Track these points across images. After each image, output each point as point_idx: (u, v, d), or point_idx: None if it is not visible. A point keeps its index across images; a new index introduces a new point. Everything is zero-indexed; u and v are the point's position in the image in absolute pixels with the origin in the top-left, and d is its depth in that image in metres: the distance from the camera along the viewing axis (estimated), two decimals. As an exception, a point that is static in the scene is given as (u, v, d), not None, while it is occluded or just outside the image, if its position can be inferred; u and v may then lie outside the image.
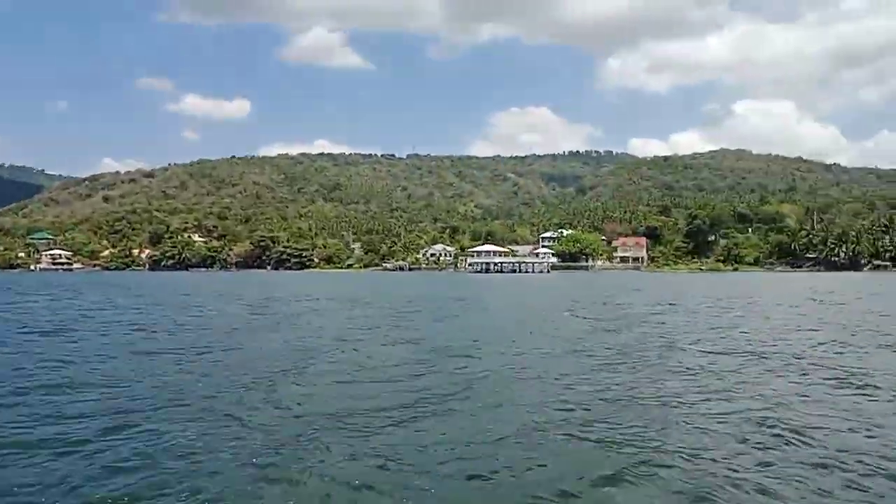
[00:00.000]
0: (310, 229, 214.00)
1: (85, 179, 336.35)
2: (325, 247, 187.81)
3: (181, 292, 51.21)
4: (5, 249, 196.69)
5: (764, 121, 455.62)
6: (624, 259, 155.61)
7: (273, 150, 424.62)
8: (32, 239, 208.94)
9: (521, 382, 12.71)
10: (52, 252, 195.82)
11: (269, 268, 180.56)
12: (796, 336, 20.12)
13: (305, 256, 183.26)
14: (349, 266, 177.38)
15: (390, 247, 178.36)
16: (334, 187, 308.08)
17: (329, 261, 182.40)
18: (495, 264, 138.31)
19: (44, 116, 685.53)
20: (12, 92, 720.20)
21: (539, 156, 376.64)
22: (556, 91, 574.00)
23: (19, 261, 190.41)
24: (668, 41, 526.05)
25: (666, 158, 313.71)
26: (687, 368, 14.16)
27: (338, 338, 19.74)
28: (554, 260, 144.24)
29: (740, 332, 20.99)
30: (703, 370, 13.94)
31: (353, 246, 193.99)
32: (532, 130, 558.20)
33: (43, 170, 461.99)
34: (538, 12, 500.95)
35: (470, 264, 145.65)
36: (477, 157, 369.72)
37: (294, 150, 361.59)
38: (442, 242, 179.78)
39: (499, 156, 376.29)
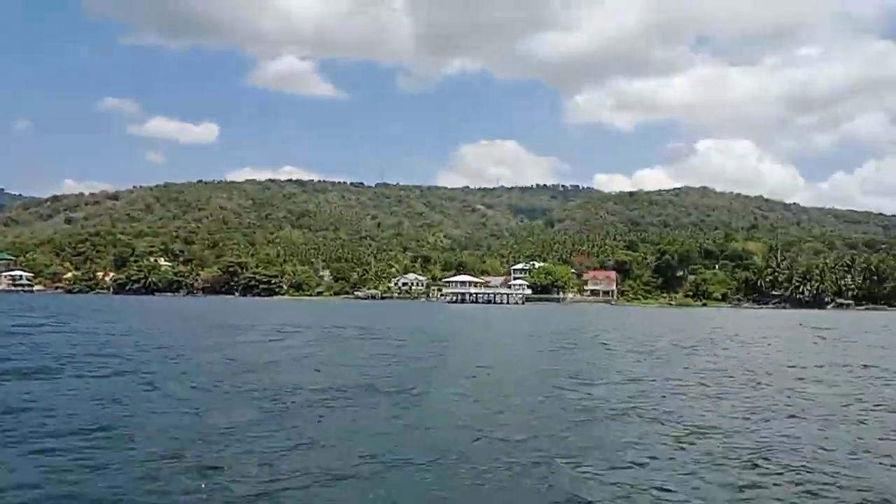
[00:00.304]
0: (278, 256, 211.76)
1: (47, 200, 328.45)
2: (294, 274, 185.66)
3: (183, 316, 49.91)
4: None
5: (725, 159, 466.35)
6: (594, 292, 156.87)
7: (240, 175, 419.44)
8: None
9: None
10: (12, 273, 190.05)
11: (237, 294, 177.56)
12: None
13: (274, 283, 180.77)
14: (319, 293, 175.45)
15: (361, 275, 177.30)
16: (302, 214, 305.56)
17: (298, 288, 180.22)
18: (470, 294, 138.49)
19: (4, 135, 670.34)
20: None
21: (507, 188, 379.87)
22: (524, 125, 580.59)
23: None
24: (633, 80, 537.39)
25: (631, 194, 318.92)
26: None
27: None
28: (528, 292, 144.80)
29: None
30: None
31: (322, 273, 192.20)
32: (500, 163, 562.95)
33: (2, 188, 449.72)
34: (507, 47, 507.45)
35: (445, 294, 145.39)
36: (446, 188, 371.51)
37: (262, 176, 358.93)
38: (414, 272, 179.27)
39: (468, 187, 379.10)
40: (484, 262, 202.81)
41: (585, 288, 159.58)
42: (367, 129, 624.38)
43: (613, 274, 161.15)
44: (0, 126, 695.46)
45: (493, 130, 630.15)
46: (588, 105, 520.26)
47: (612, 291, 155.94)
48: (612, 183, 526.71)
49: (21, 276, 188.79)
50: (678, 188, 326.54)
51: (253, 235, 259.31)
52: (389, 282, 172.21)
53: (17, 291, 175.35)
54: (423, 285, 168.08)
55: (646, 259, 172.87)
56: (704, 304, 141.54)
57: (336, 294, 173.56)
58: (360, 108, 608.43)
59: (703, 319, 67.09)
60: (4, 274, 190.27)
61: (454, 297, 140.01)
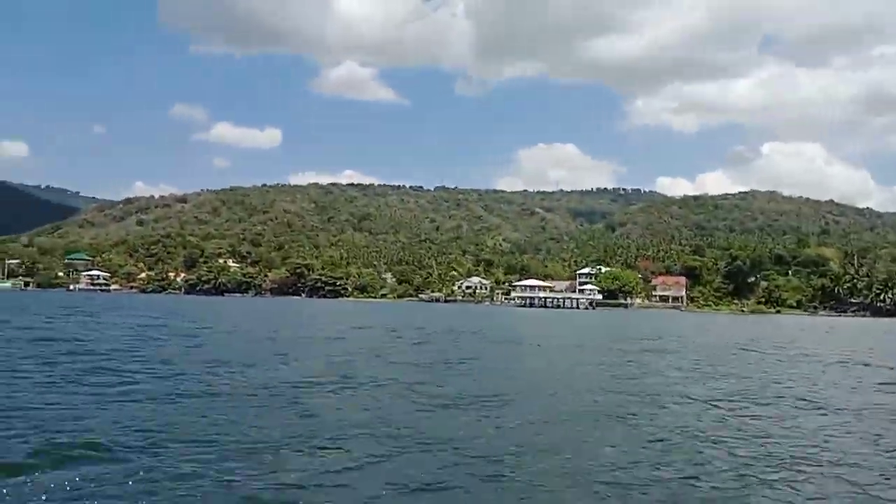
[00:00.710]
0: (342, 258, 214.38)
1: (119, 202, 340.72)
2: (359, 276, 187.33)
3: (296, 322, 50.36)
4: (45, 269, 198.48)
5: (792, 163, 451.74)
6: (663, 298, 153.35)
7: (303, 179, 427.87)
8: (70, 259, 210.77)
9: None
10: (90, 273, 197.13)
11: (303, 295, 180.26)
12: None
13: (340, 285, 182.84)
14: (383, 296, 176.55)
15: (425, 278, 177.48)
16: (364, 217, 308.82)
17: (363, 290, 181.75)
18: (539, 299, 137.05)
19: (80, 140, 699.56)
20: (50, 115, 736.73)
21: (567, 191, 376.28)
22: (583, 128, 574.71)
23: (58, 280, 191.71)
24: (695, 82, 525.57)
25: (696, 198, 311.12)
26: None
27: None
28: (598, 297, 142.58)
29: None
30: None
31: (384, 276, 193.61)
32: (559, 166, 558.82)
33: (78, 192, 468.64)
34: (566, 51, 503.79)
35: (514, 298, 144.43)
36: (504, 192, 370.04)
37: (323, 180, 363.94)
38: (477, 275, 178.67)
39: (526, 190, 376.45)
40: (546, 266, 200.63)
41: (653, 294, 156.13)
42: (426, 133, 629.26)
43: (683, 280, 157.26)
44: (78, 131, 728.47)
45: (552, 134, 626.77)
46: (649, 108, 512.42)
47: (682, 298, 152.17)
48: (674, 186, 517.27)
49: (98, 275, 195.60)
50: (744, 192, 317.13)
51: (316, 238, 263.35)
52: (453, 285, 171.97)
53: (96, 290, 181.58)
54: (486, 289, 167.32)
55: (715, 264, 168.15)
56: (778, 312, 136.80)
57: (399, 297, 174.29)
58: (419, 113, 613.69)
59: (801, 330, 64.20)
60: (83, 273, 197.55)
61: (522, 302, 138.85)
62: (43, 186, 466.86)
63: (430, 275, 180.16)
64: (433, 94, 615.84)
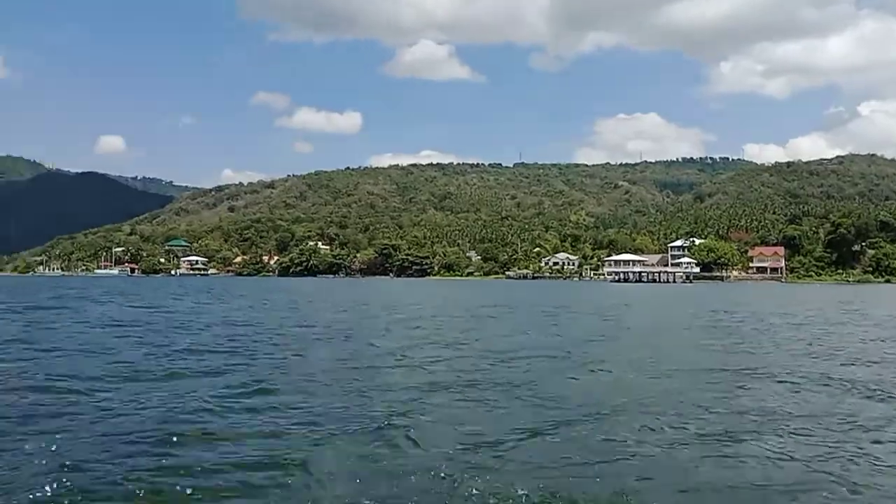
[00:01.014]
0: (425, 238, 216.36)
1: (211, 190, 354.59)
2: (444, 255, 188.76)
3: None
4: (148, 255, 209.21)
5: (894, 123, 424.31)
6: (761, 270, 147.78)
7: (383, 161, 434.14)
8: (170, 245, 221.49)
9: None
10: (189, 258, 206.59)
11: (391, 275, 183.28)
12: None
13: (426, 264, 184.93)
14: (469, 274, 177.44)
15: (511, 255, 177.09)
16: (444, 196, 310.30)
17: (449, 268, 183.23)
18: (633, 273, 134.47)
19: (171, 131, 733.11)
20: (143, 109, 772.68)
21: (650, 162, 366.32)
22: (665, 97, 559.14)
23: (161, 266, 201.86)
24: (784, 43, 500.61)
25: (788, 164, 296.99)
26: None
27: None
28: (696, 270, 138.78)
29: None
30: None
31: (468, 254, 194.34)
32: (641, 137, 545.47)
33: (171, 181, 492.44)
34: (644, 19, 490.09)
35: (606, 273, 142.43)
36: (586, 165, 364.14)
37: (402, 160, 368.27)
38: (563, 251, 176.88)
39: (608, 163, 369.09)
40: (634, 239, 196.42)
41: (750, 266, 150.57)
42: (503, 109, 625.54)
43: (781, 250, 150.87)
44: (168, 123, 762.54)
45: (633, 104, 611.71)
46: (734, 73, 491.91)
47: (781, 269, 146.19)
48: (764, 153, 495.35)
49: (197, 260, 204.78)
50: (841, 156, 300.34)
51: (399, 218, 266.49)
52: (539, 262, 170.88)
53: (195, 275, 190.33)
54: (574, 265, 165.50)
55: (815, 233, 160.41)
56: (888, 281, 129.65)
57: (486, 274, 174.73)
58: (496, 90, 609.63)
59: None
60: (183, 259, 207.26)
61: (616, 276, 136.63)
62: (139, 177, 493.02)
63: (516, 252, 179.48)
64: (509, 69, 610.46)
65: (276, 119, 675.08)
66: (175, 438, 8.22)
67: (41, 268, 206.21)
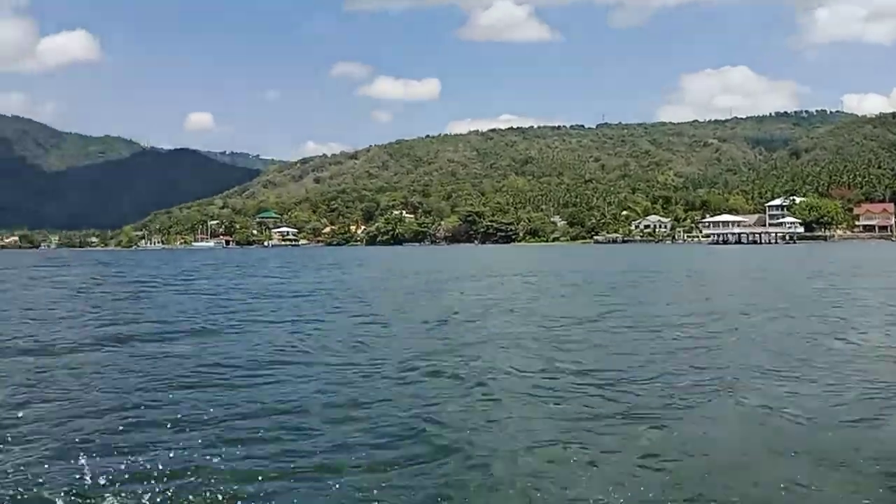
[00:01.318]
0: (508, 203, 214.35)
1: (297, 162, 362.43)
2: (529, 220, 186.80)
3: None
4: (241, 228, 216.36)
5: None
6: (868, 228, 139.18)
7: (461, 127, 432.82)
8: (262, 218, 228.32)
9: None
10: (280, 229, 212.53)
11: (476, 242, 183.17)
12: None
13: (511, 230, 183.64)
14: (555, 239, 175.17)
15: (599, 219, 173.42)
16: (525, 161, 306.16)
17: (534, 234, 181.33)
18: (732, 234, 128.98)
19: (256, 106, 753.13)
20: (228, 86, 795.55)
21: (741, 118, 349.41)
22: (755, 48, 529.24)
23: (254, 238, 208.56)
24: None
25: (894, 115, 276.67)
26: None
27: None
28: (801, 230, 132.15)
29: None
30: None
31: (553, 219, 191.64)
32: (729, 91, 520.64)
33: (258, 155, 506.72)
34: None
35: (703, 235, 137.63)
36: (672, 123, 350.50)
37: (481, 126, 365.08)
38: (654, 213, 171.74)
39: (696, 120, 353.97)
40: (727, 199, 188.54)
41: (856, 224, 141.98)
42: (583, 70, 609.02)
43: (891, 206, 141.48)
44: (254, 98, 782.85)
45: (720, 57, 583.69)
46: (831, 19, 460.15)
47: (891, 226, 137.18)
48: (864, 104, 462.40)
49: (288, 232, 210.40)
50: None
51: (481, 185, 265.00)
52: (629, 225, 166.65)
53: (287, 246, 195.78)
54: (665, 227, 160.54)
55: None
56: None
57: (573, 239, 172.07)
58: (575, 50, 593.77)
59: None
60: (274, 230, 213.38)
61: (715, 238, 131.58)
62: (227, 152, 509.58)
63: (604, 215, 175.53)
64: (588, 27, 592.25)
65: (357, 89, 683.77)
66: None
67: (143, 242, 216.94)
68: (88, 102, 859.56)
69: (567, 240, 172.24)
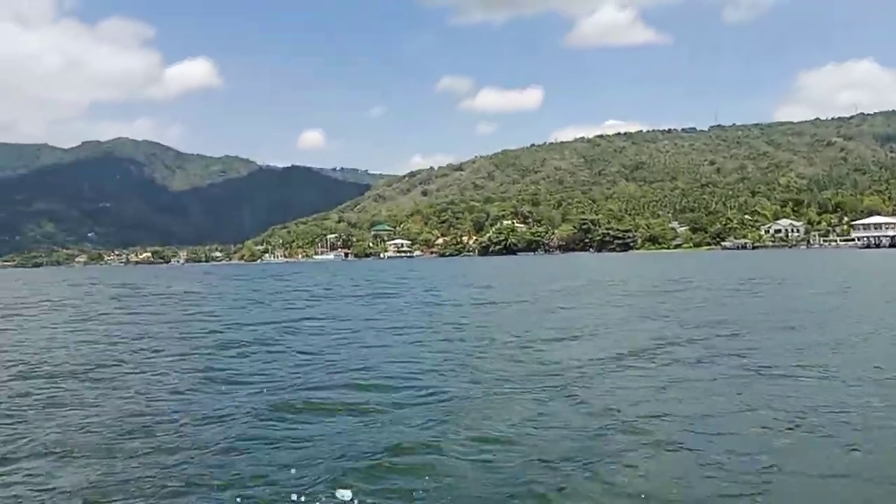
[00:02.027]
0: (622, 210, 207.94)
1: (404, 176, 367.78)
2: (648, 227, 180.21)
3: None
4: (357, 241, 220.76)
5: None
6: None
7: (565, 135, 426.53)
8: (376, 230, 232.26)
9: None
10: (395, 241, 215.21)
11: (591, 250, 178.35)
12: None
13: (628, 237, 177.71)
14: (677, 246, 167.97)
15: (724, 224, 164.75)
16: (636, 167, 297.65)
17: (653, 241, 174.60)
18: (886, 237, 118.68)
19: (364, 122, 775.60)
20: (336, 103, 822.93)
21: (867, 115, 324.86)
22: (882, 39, 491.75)
23: (370, 250, 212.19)
24: None
25: None
26: None
27: None
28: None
29: None
30: None
31: (671, 225, 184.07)
32: (853, 87, 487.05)
33: (367, 170, 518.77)
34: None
35: (847, 239, 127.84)
36: (791, 123, 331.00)
37: (586, 133, 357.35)
38: (784, 217, 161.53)
39: (817, 119, 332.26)
40: (861, 201, 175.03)
41: None
42: (693, 71, 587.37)
43: None
44: (360, 115, 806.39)
45: (842, 51, 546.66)
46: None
47: None
48: None
49: (402, 244, 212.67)
50: None
51: (590, 192, 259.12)
52: (757, 230, 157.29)
53: (401, 257, 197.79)
54: (798, 231, 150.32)
55: None
56: None
57: (696, 245, 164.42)
58: (684, 51, 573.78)
59: None
60: (389, 242, 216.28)
61: (866, 242, 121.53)
62: (338, 168, 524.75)
63: (730, 220, 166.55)
64: (698, 27, 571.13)
65: (460, 102, 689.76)
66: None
67: (267, 255, 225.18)
68: (209, 125, 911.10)
69: (690, 246, 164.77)
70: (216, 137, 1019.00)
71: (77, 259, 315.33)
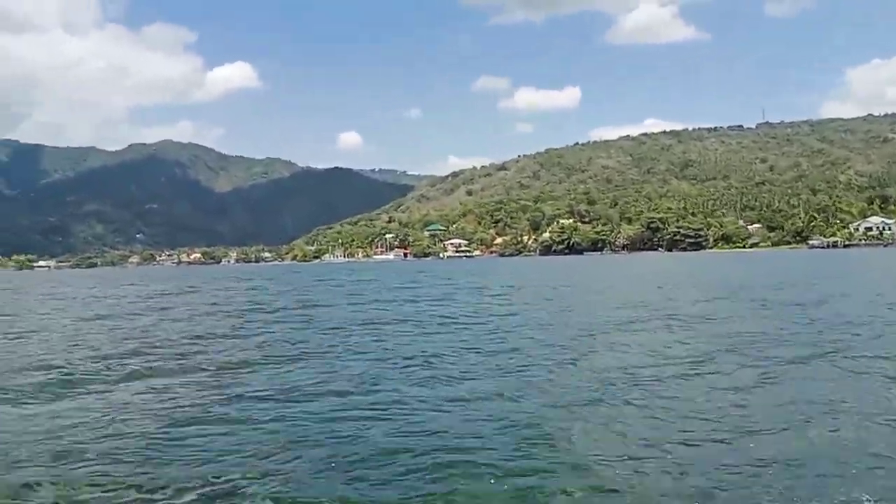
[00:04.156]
0: (683, 209, 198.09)
1: (447, 176, 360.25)
2: (720, 225, 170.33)
3: None
4: (415, 241, 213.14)
5: None
6: None
7: (605, 134, 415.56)
8: (430, 230, 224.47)
9: None
10: (452, 241, 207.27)
11: (661, 250, 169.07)
12: None
13: (700, 236, 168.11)
14: (753, 245, 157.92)
15: (808, 222, 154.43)
16: (686, 165, 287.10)
17: (727, 240, 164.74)
18: None
19: (401, 124, 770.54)
20: (373, 105, 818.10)
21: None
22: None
23: (428, 250, 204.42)
24: None
25: None
26: None
27: None
28: None
29: None
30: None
31: (738, 223, 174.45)
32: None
33: (405, 171, 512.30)
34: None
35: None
36: (842, 119, 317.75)
37: (623, 132, 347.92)
38: (872, 214, 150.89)
39: (870, 115, 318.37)
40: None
41: None
42: (735, 67, 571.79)
43: None
44: (397, 117, 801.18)
45: (888, 45, 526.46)
46: None
47: None
48: None
49: (460, 243, 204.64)
50: None
51: (641, 190, 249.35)
52: (844, 227, 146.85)
53: (461, 257, 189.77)
54: (890, 229, 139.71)
55: None
56: None
57: (774, 244, 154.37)
58: (725, 47, 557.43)
59: None
60: (447, 242, 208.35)
61: None
62: (376, 169, 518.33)
63: (814, 218, 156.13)
64: (740, 22, 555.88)
65: (498, 102, 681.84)
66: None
67: (327, 256, 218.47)
68: (250, 127, 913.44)
69: (768, 245, 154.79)
70: (257, 139, 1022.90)
71: (130, 260, 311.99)
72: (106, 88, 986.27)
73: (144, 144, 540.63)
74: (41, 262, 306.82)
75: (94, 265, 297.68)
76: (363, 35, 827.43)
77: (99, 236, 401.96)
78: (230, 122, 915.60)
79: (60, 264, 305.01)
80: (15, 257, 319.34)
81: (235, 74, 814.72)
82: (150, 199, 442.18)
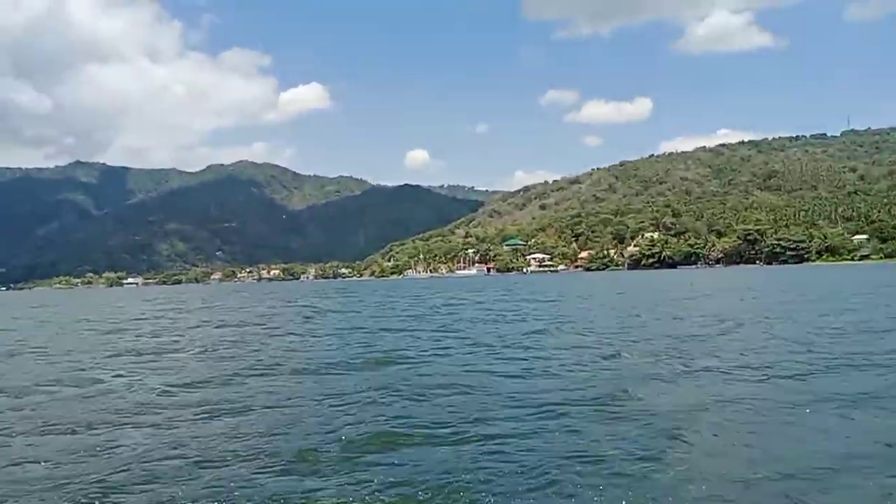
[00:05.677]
0: (774, 220, 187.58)
1: (518, 191, 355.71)
2: (824, 237, 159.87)
3: None
4: (497, 256, 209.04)
5: None
6: None
7: (675, 146, 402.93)
8: (509, 244, 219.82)
9: None
10: (534, 256, 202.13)
11: (759, 263, 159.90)
12: None
13: (802, 248, 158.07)
14: (862, 258, 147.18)
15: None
16: (769, 175, 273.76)
17: (831, 252, 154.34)
18: None
19: (469, 139, 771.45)
20: (440, 121, 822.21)
21: None
22: None
23: (511, 265, 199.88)
24: None
25: None
26: None
27: None
28: None
29: None
30: None
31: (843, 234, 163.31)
32: None
33: (473, 186, 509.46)
34: None
35: None
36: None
37: (695, 143, 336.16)
38: None
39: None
40: None
41: None
42: (813, 73, 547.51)
43: None
44: (466, 132, 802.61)
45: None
46: None
47: None
48: None
49: (543, 258, 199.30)
50: None
51: (726, 202, 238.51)
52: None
53: (545, 272, 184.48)
54: None
55: None
56: None
57: (887, 256, 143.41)
58: (803, 53, 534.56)
59: None
60: (529, 257, 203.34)
61: None
62: (445, 185, 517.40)
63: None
64: (819, 28, 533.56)
65: (565, 115, 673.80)
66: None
67: (410, 271, 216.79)
68: (322, 146, 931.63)
69: (879, 257, 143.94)
70: (329, 158, 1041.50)
71: (212, 276, 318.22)
72: (186, 112, 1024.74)
73: (222, 165, 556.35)
74: (129, 279, 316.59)
75: (178, 282, 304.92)
76: (429, 53, 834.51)
77: (181, 254, 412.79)
78: (302, 142, 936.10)
79: (147, 281, 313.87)
80: (106, 275, 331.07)
81: (308, 95, 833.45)
82: (228, 218, 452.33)
